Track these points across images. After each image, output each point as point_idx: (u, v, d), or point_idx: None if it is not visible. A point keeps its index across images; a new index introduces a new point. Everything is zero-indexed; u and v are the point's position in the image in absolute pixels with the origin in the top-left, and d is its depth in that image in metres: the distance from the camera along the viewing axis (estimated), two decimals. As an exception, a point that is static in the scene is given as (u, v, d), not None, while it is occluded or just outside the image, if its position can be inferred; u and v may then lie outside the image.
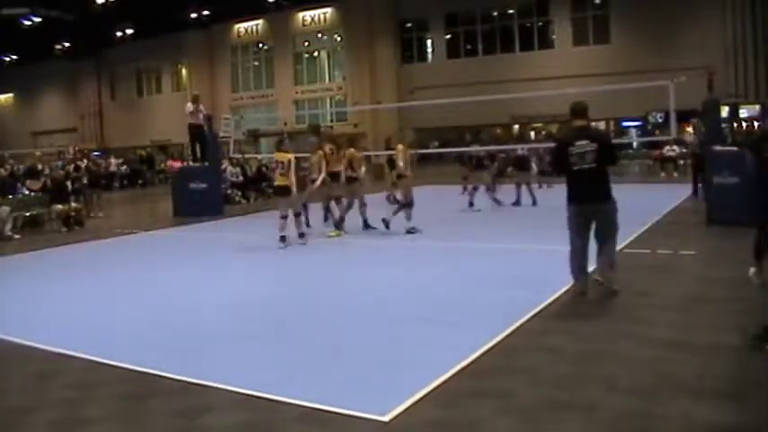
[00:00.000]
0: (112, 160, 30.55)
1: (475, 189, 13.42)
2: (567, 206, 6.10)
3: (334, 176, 11.01)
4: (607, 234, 6.12)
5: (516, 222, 11.79)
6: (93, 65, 45.50)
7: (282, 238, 9.68)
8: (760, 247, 6.15)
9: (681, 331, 5.00)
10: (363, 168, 11.90)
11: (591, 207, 6.02)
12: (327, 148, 11.22)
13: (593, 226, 6.11)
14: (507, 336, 5.04)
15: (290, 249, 9.90)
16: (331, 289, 7.13)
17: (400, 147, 10.70)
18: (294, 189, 9.78)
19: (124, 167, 30.35)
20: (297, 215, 10.02)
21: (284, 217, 9.79)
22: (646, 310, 5.65)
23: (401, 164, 10.44)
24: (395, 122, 31.18)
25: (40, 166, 17.22)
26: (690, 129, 13.31)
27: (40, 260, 10.19)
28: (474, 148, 14.28)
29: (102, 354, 4.99)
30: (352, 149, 11.28)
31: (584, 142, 5.92)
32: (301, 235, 9.94)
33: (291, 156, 9.89)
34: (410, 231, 10.39)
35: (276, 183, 10.06)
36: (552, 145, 12.45)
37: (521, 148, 14.52)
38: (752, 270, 6.19)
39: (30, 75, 45.95)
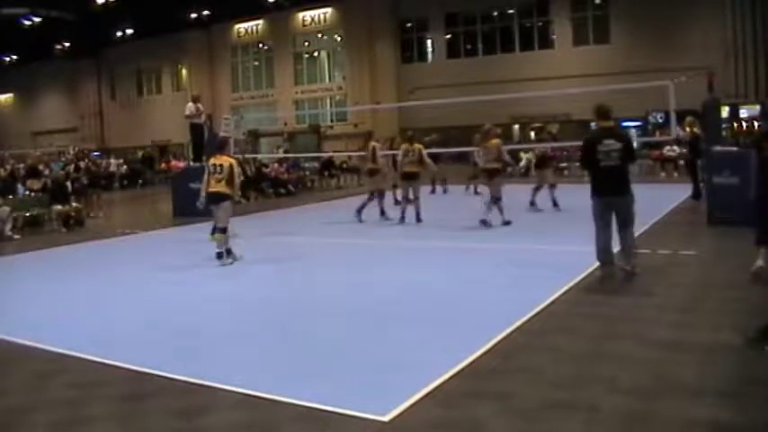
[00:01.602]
0: (112, 160, 30.54)
1: (538, 189, 12.88)
2: (592, 198, 6.75)
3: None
4: (626, 222, 6.75)
5: (516, 222, 11.77)
6: (93, 65, 45.50)
7: (220, 255, 8.65)
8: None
9: (681, 331, 5.00)
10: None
11: (613, 199, 6.69)
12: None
13: (614, 216, 6.75)
14: (507, 336, 5.04)
15: (290, 250, 9.89)
16: (331, 289, 7.13)
17: (496, 141, 10.96)
18: (235, 197, 8.75)
19: (124, 168, 30.38)
20: (221, 231, 8.71)
21: (222, 230, 8.73)
22: (646, 310, 5.65)
23: (506, 158, 10.94)
24: (395, 122, 31.17)
25: (41, 167, 17.17)
26: (687, 128, 13.20)
27: (39, 260, 10.19)
28: (541, 145, 13.67)
29: (102, 354, 4.99)
30: (419, 145, 12.05)
31: (611, 141, 6.61)
32: (219, 255, 8.63)
33: (233, 160, 8.90)
34: (506, 223, 10.79)
35: (211, 189, 8.66)
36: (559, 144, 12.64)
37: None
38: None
39: (30, 75, 45.94)
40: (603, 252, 6.77)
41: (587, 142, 6.90)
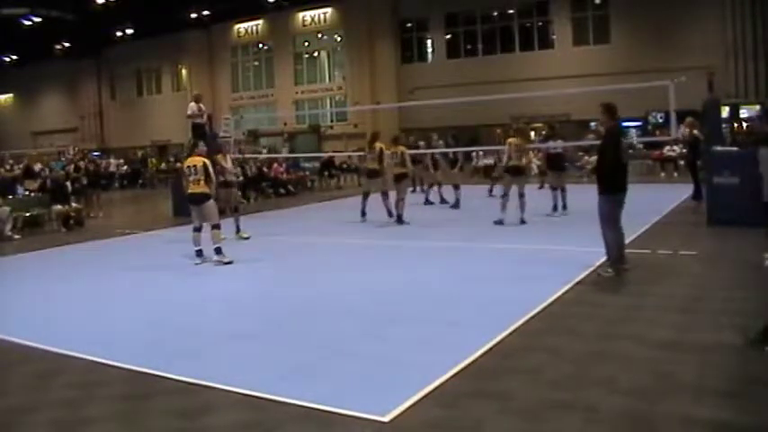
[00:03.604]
0: (112, 161, 30.50)
1: (563, 190, 12.17)
2: (611, 196, 6.74)
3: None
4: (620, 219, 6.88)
5: (515, 223, 11.77)
6: (93, 65, 45.43)
7: (199, 253, 8.81)
8: None
9: (681, 331, 5.00)
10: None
11: (623, 195, 6.81)
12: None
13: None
14: (507, 336, 5.04)
15: (290, 250, 9.90)
16: (331, 289, 7.12)
17: (513, 140, 11.15)
18: (213, 197, 8.86)
19: (125, 167, 30.38)
20: (214, 227, 8.82)
21: (197, 229, 8.86)
22: (646, 310, 5.66)
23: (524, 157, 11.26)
24: (395, 122, 31.17)
25: (37, 167, 17.15)
26: (687, 129, 13.08)
27: (40, 260, 10.19)
28: (556, 144, 12.90)
29: (103, 354, 4.99)
30: (402, 147, 12.34)
31: (623, 138, 6.92)
32: (218, 250, 8.68)
33: (205, 159, 8.90)
34: (523, 221, 11.00)
35: (190, 190, 8.80)
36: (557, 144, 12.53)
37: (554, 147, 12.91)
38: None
39: (30, 75, 45.86)
40: (619, 250, 6.86)
41: (618, 138, 6.99)
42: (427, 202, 15.09)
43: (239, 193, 11.86)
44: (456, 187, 14.18)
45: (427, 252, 9.16)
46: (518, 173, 11.08)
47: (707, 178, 10.51)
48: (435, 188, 15.07)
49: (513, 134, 11.48)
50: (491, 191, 16.07)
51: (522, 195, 11.02)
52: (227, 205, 11.23)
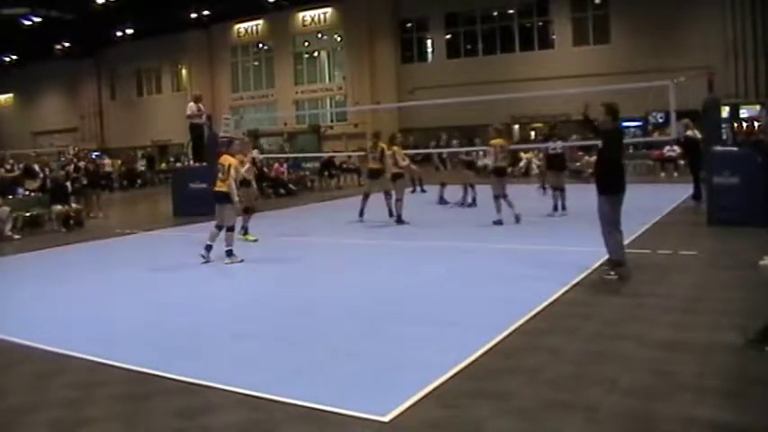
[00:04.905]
0: (106, 161, 30.24)
1: (562, 191, 12.04)
2: (611, 196, 6.66)
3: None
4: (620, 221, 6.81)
5: (518, 224, 11.78)
6: (93, 65, 45.46)
7: (208, 248, 8.79)
8: None
9: (681, 331, 5.00)
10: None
11: (623, 195, 6.74)
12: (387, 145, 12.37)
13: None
14: (507, 336, 5.04)
15: (290, 250, 9.90)
16: (331, 289, 7.13)
17: (498, 141, 11.23)
18: (235, 198, 8.81)
19: (124, 168, 30.30)
20: (229, 229, 8.87)
21: (219, 227, 8.90)
22: (646, 310, 5.66)
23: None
24: (395, 122, 31.16)
25: (37, 167, 17.10)
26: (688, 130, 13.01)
27: (40, 260, 10.19)
28: (554, 144, 12.52)
29: (102, 354, 4.99)
30: (396, 147, 12.47)
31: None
32: (229, 252, 8.75)
33: (233, 160, 8.91)
34: (518, 219, 11.09)
35: (216, 188, 8.91)
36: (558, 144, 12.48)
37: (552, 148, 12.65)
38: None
39: (30, 75, 45.87)
40: (623, 250, 6.83)
41: (618, 140, 6.97)
42: (464, 203, 14.42)
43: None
44: (464, 187, 14.26)
45: (427, 252, 9.16)
46: (502, 174, 11.22)
47: (707, 178, 10.51)
48: (468, 188, 14.51)
49: (495, 135, 11.40)
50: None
51: (505, 195, 11.10)
52: (249, 204, 11.17)
